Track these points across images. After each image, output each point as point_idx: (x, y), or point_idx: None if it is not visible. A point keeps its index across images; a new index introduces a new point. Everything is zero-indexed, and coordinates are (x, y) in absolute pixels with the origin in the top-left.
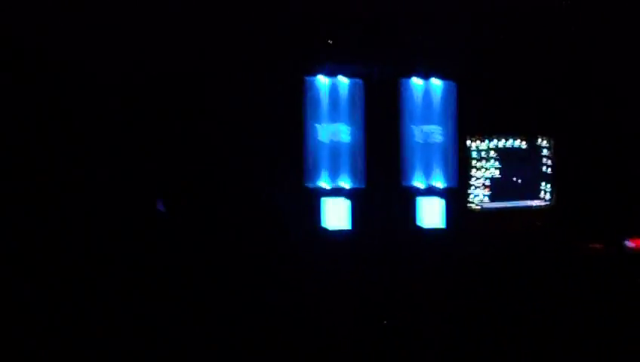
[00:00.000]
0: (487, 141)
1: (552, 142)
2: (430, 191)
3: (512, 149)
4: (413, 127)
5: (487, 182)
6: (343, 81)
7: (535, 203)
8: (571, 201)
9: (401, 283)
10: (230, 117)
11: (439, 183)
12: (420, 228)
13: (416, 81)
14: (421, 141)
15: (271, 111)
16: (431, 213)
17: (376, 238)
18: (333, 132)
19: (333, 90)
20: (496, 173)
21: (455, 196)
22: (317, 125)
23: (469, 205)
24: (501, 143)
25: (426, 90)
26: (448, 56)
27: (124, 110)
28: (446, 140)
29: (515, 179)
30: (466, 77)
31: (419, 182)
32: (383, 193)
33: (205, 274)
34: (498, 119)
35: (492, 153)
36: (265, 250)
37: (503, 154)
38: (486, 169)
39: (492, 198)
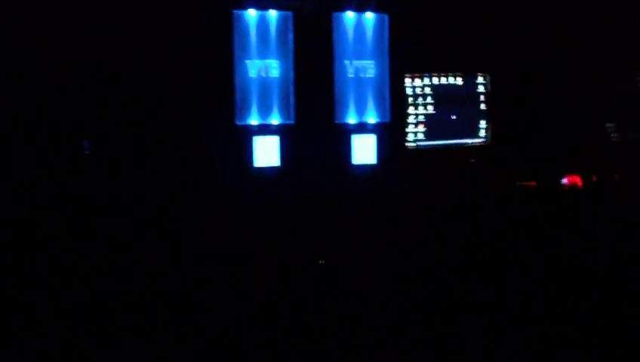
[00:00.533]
0: (424, 78)
1: (489, 79)
2: (363, 128)
3: (449, 86)
4: (345, 62)
5: (423, 120)
6: (272, 14)
7: (471, 141)
8: (507, 139)
9: (333, 222)
10: (157, 53)
11: (372, 120)
12: (353, 166)
13: (349, 15)
14: (353, 76)
15: (198, 47)
16: (363, 150)
17: (308, 176)
18: (263, 67)
19: (263, 23)
20: (432, 111)
21: (389, 133)
22: (246, 61)
23: (404, 143)
24: (437, 80)
25: (358, 23)
26: None
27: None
28: (380, 76)
29: (451, 117)
30: (401, 10)
31: (351, 119)
32: (314, 130)
33: (132, 217)
34: (435, 56)
35: (428, 90)
36: (196, 189)
37: (439, 92)
38: (422, 106)
39: (428, 136)
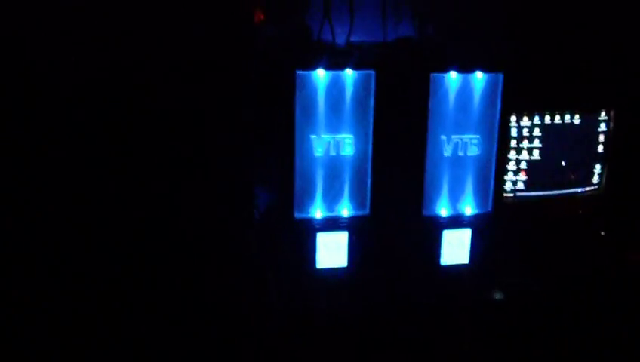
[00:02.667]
0: (533, 117)
1: (613, 114)
2: (457, 221)
3: (563, 126)
4: (442, 137)
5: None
6: (349, 74)
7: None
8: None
9: (416, 342)
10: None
11: (469, 209)
12: (441, 267)
13: (452, 76)
14: (450, 155)
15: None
16: (456, 248)
17: (382, 279)
18: (333, 144)
19: (335, 87)
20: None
21: (487, 225)
22: (312, 136)
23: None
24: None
25: (463, 86)
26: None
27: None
28: (485, 154)
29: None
30: (518, 68)
31: (443, 209)
32: (394, 223)
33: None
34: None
35: (537, 131)
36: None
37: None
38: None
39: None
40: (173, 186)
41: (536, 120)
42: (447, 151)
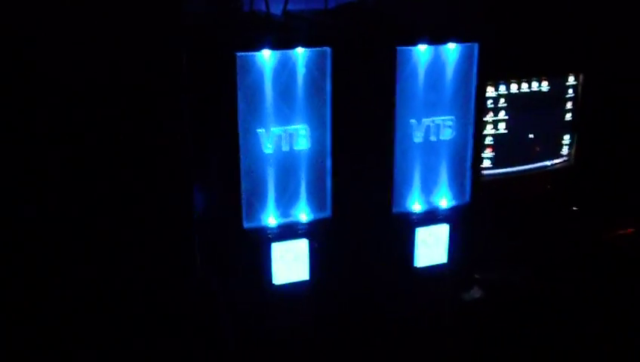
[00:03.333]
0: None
1: (582, 79)
2: (432, 217)
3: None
4: (411, 121)
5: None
6: (300, 52)
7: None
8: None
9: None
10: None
11: (444, 202)
12: (415, 270)
13: (421, 49)
14: (422, 141)
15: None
16: (431, 248)
17: (350, 290)
18: (285, 137)
19: (284, 70)
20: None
21: (466, 218)
22: (258, 130)
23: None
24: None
25: (434, 61)
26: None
27: None
28: (461, 137)
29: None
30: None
31: (416, 205)
32: (360, 224)
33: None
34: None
35: (502, 101)
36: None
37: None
38: (492, 125)
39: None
40: (91, 189)
41: (502, 89)
42: (417, 137)
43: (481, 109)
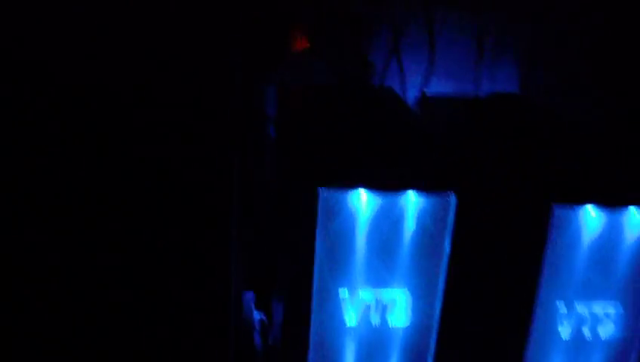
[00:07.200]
0: None
1: None
2: None
3: None
4: (557, 303)
5: None
6: (412, 200)
7: None
8: None
9: None
10: None
11: None
12: None
13: (592, 214)
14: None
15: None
16: None
17: None
18: (376, 307)
19: (382, 216)
20: None
21: None
22: (340, 289)
23: None
24: None
25: (605, 228)
26: None
27: None
28: (628, 335)
29: None
30: None
31: None
32: None
33: None
34: None
35: None
36: None
37: None
38: None
39: None
40: None
41: None
42: (564, 330)
43: None
